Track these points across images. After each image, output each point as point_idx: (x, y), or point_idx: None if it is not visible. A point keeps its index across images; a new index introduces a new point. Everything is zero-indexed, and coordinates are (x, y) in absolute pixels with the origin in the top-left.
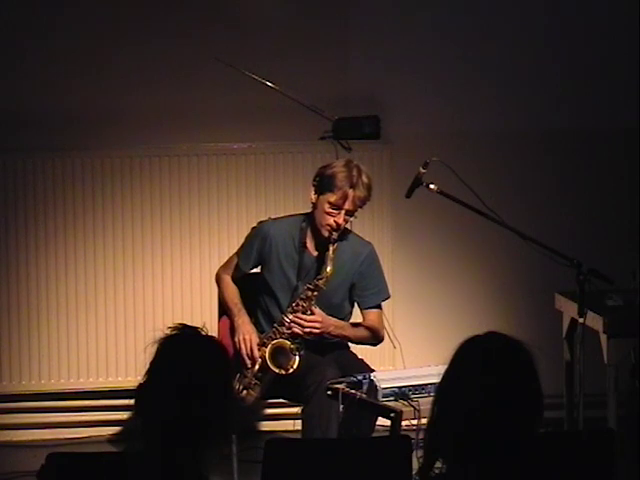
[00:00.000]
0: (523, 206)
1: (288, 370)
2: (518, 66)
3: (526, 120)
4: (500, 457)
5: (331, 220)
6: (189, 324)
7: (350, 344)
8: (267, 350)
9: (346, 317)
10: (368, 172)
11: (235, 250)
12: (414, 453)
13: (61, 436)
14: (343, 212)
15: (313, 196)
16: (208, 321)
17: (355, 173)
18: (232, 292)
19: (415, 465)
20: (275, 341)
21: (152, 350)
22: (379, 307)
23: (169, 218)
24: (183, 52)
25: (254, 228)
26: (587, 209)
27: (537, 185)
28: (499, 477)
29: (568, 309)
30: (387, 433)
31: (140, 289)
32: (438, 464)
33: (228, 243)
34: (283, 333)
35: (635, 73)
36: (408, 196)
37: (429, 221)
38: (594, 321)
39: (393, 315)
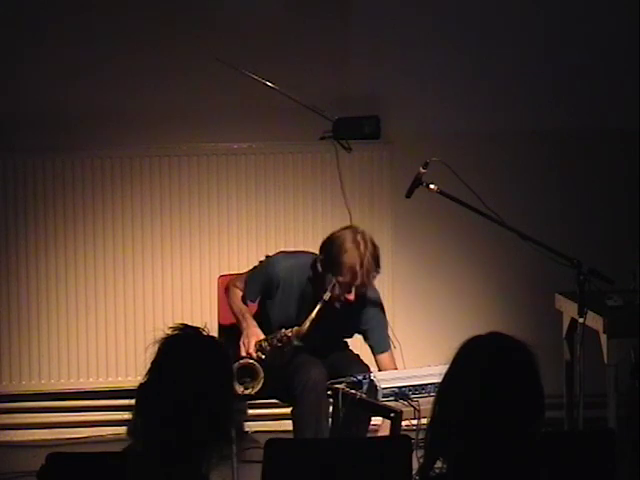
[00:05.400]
0: (523, 206)
1: (245, 392)
2: (518, 66)
3: (526, 120)
4: (501, 457)
5: (342, 297)
6: (190, 324)
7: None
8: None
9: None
10: (374, 239)
11: (232, 246)
12: (414, 453)
13: (61, 436)
14: (354, 288)
15: (320, 267)
16: (208, 321)
17: (362, 249)
18: (240, 302)
19: (415, 465)
20: (243, 361)
21: (153, 350)
22: (388, 349)
23: (169, 218)
24: (183, 52)
25: (262, 262)
26: (587, 209)
27: (537, 185)
28: (500, 477)
29: (568, 309)
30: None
31: (140, 289)
32: (438, 464)
33: (228, 243)
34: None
35: (635, 73)
36: (408, 196)
37: (429, 221)
38: (594, 321)
39: (393, 315)
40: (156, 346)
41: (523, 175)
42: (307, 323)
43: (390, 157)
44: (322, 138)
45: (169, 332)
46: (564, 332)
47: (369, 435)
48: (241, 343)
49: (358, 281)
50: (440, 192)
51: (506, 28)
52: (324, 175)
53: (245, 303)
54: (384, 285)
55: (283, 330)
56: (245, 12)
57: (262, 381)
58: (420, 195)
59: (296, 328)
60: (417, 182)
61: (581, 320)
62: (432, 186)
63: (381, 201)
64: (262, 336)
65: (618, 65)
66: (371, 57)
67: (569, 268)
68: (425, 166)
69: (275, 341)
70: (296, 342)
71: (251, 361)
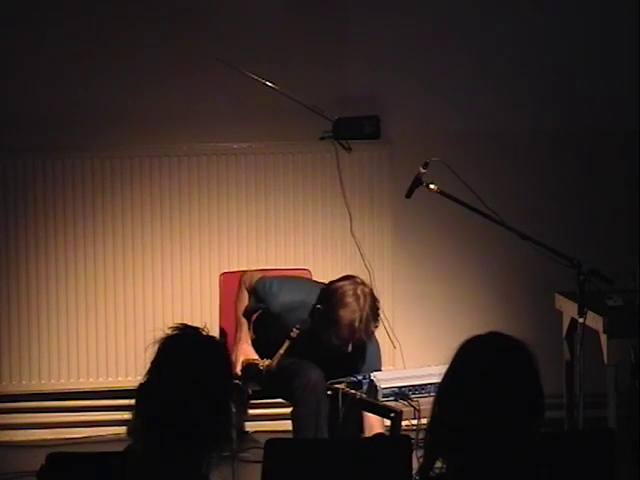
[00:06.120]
0: (523, 206)
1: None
2: (518, 66)
3: (526, 120)
4: (501, 457)
5: (340, 349)
6: (190, 324)
7: None
8: None
9: None
10: (373, 291)
11: (232, 247)
12: (414, 453)
13: (61, 436)
14: (351, 342)
15: (317, 317)
16: (209, 321)
17: (362, 303)
18: (241, 312)
19: (415, 465)
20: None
21: (152, 350)
22: None
23: (169, 218)
24: (183, 52)
25: (263, 286)
26: (587, 209)
27: (537, 185)
28: (500, 477)
29: (568, 309)
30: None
31: (140, 289)
32: (438, 464)
33: (228, 243)
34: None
35: (635, 73)
36: (408, 196)
37: (429, 221)
38: (594, 321)
39: (393, 315)
40: (156, 346)
41: (523, 175)
42: (275, 360)
43: (390, 157)
44: (322, 138)
45: (169, 332)
46: (564, 332)
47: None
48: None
49: (356, 336)
50: (440, 192)
51: (506, 28)
52: (324, 175)
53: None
54: (384, 285)
55: (257, 360)
56: (245, 12)
57: (247, 402)
58: (420, 195)
59: (267, 362)
60: (417, 182)
61: (581, 320)
62: (432, 186)
63: (381, 201)
64: (251, 355)
65: (618, 65)
66: (371, 57)
67: (569, 268)
68: (425, 166)
69: (252, 370)
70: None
71: (236, 381)
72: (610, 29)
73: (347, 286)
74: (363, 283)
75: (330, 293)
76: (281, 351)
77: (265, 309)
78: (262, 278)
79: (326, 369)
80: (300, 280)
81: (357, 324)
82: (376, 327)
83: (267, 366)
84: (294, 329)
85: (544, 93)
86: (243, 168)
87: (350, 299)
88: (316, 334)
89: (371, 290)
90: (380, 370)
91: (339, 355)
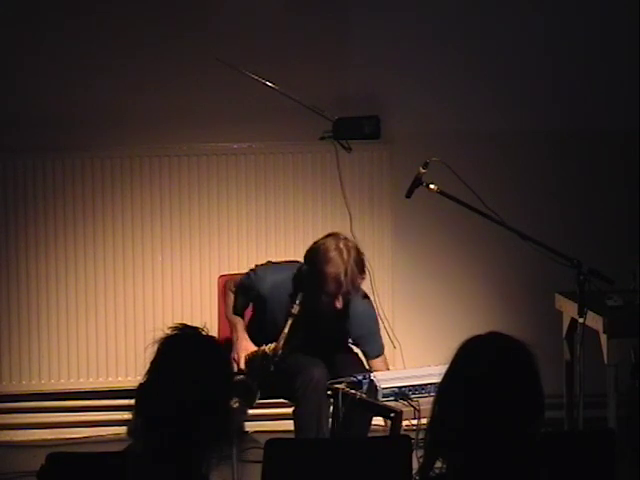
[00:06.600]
0: (523, 206)
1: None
2: (518, 66)
3: (526, 120)
4: (501, 457)
5: (330, 306)
6: (189, 324)
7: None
8: None
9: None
10: (357, 244)
11: (232, 247)
12: (414, 453)
13: (61, 436)
14: (341, 296)
15: (305, 278)
16: (208, 321)
17: (346, 256)
18: (232, 311)
19: (415, 465)
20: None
21: (152, 350)
22: (381, 354)
23: (169, 218)
24: (183, 52)
25: (250, 275)
26: (587, 209)
27: (537, 185)
28: (500, 477)
29: (568, 309)
30: (387, 433)
31: (140, 289)
32: (438, 464)
33: (228, 243)
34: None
35: (635, 73)
36: (408, 196)
37: (429, 221)
38: (594, 321)
39: (393, 315)
40: (156, 346)
41: (523, 175)
42: (281, 341)
43: (390, 157)
44: (322, 138)
45: (169, 332)
46: (564, 332)
47: (370, 435)
48: (231, 359)
49: (344, 289)
50: (440, 192)
51: (506, 28)
52: (324, 175)
53: (235, 314)
54: (384, 285)
55: (263, 347)
56: (245, 12)
57: (257, 395)
58: (420, 195)
59: (273, 345)
60: (417, 182)
61: (581, 320)
62: (432, 186)
63: (381, 201)
64: (251, 348)
65: (618, 65)
66: (371, 57)
67: (569, 268)
68: (425, 166)
69: (257, 360)
70: (273, 357)
71: (243, 377)
72: (610, 29)
73: (329, 242)
74: (345, 238)
75: (314, 252)
76: (285, 330)
77: (256, 297)
78: (243, 275)
79: (326, 340)
80: (282, 262)
81: (343, 277)
82: (363, 279)
83: (274, 349)
84: (294, 305)
85: (544, 93)
86: (243, 168)
87: (333, 253)
88: (309, 301)
89: (355, 244)
90: (378, 327)
91: (331, 315)
